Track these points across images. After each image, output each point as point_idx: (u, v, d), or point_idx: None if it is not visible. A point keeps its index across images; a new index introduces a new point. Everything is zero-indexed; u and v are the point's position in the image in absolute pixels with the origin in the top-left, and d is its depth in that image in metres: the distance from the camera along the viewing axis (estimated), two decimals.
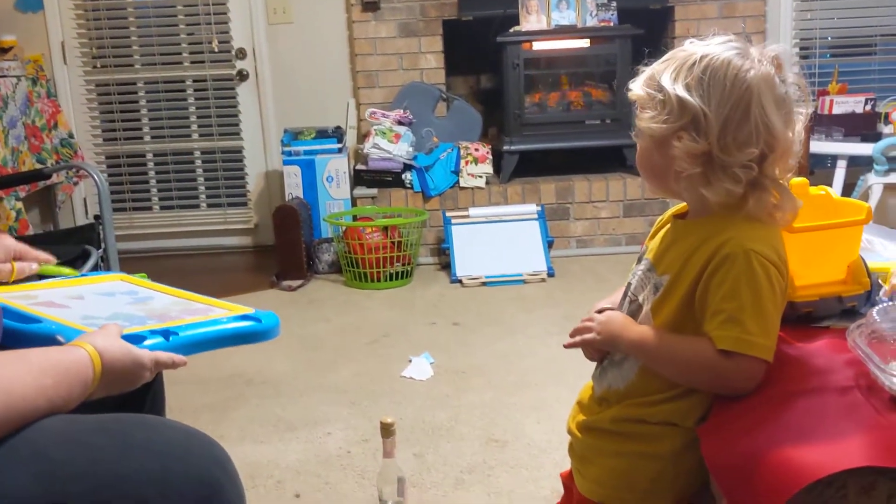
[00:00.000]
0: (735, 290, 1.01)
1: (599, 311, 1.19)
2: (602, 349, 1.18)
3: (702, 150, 1.03)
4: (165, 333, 1.08)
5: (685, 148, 1.03)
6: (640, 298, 1.14)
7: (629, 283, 1.19)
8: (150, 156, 4.47)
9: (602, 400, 1.17)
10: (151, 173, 4.48)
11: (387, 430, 1.63)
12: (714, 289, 1.03)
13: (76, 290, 1.34)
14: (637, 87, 1.10)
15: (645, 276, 1.14)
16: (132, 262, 4.31)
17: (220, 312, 1.23)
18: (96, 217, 2.62)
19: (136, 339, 1.05)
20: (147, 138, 4.45)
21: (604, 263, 3.76)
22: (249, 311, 1.22)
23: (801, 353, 1.08)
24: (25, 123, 3.90)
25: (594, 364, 1.23)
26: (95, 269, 2.50)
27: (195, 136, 4.44)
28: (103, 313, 1.21)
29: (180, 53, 4.35)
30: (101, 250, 2.54)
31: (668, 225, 1.16)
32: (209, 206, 4.50)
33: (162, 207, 4.50)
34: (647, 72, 1.11)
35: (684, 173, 1.05)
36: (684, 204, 1.15)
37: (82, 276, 1.46)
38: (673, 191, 1.12)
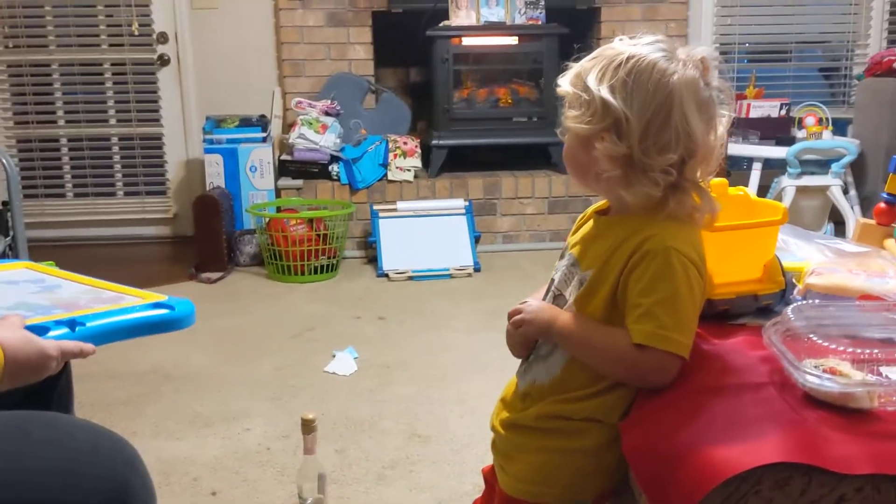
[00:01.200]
0: (653, 285, 1.02)
1: None
2: (531, 339, 1.18)
3: (622, 153, 1.03)
4: (71, 324, 1.03)
5: (606, 150, 1.03)
6: (566, 293, 1.14)
7: (552, 279, 1.19)
8: (64, 141, 4.29)
9: (525, 395, 1.17)
10: (66, 159, 4.30)
11: (308, 426, 1.59)
12: (633, 283, 1.04)
13: None
14: (565, 84, 1.10)
15: (569, 271, 1.15)
16: (43, 251, 4.12)
17: (133, 300, 1.18)
18: (4, 203, 2.49)
19: (39, 330, 0.99)
20: (61, 122, 4.27)
21: (529, 258, 3.80)
22: (163, 298, 1.18)
23: (719, 350, 1.10)
24: None
25: (518, 360, 1.23)
26: (2, 257, 2.38)
27: (112, 121, 4.28)
28: (5, 303, 1.14)
29: (98, 35, 4.19)
30: (9, 238, 2.42)
31: (591, 221, 1.17)
32: (126, 194, 4.35)
33: (76, 195, 4.33)
34: (575, 68, 1.10)
35: (604, 174, 1.06)
36: (606, 201, 1.16)
37: None
38: (593, 188, 1.13)
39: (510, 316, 1.18)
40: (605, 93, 1.03)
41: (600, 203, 1.19)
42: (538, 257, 3.79)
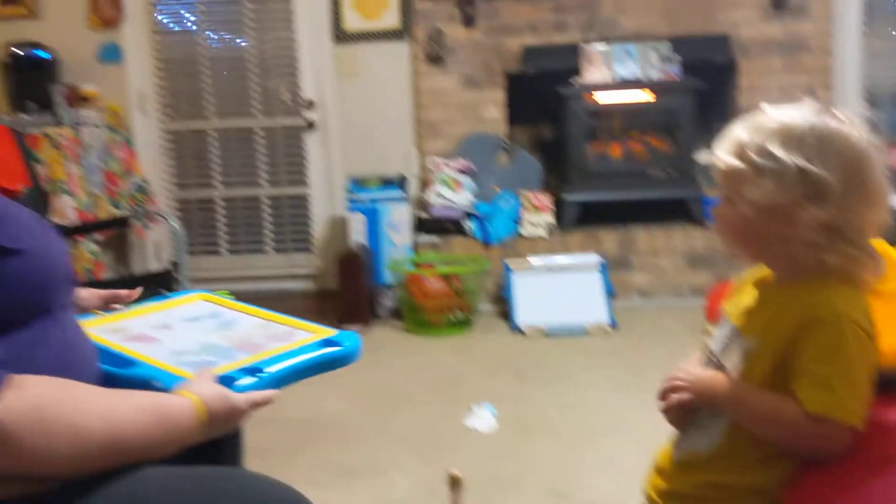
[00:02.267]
0: (826, 353, 1.01)
1: None
2: (690, 406, 1.16)
3: (828, 218, 1.02)
4: (254, 371, 1.12)
5: (813, 217, 1.02)
6: (727, 363, 1.13)
7: (709, 348, 1.18)
8: (219, 201, 4.61)
9: (684, 464, 1.16)
10: (220, 218, 4.62)
11: (455, 483, 1.64)
12: (804, 351, 1.02)
13: (163, 318, 1.38)
14: (730, 156, 1.08)
15: (730, 341, 1.14)
16: None
17: (303, 337, 1.25)
18: (173, 263, 2.71)
19: (228, 380, 1.08)
20: (217, 184, 4.60)
21: (667, 315, 3.73)
22: (332, 333, 1.25)
23: (887, 423, 1.06)
24: (103, 170, 4.08)
25: (662, 419, 1.22)
26: None
27: (263, 182, 4.57)
28: (192, 346, 1.24)
29: (252, 104, 4.51)
30: None
31: (752, 288, 1.15)
32: (275, 251, 4.61)
33: (230, 252, 4.63)
34: (734, 140, 1.09)
35: (804, 243, 1.04)
36: (767, 269, 1.15)
37: (166, 297, 1.49)
38: (765, 258, 1.12)
39: (669, 384, 1.17)
40: (800, 160, 1.02)
41: (760, 271, 1.17)
42: (677, 314, 3.71)
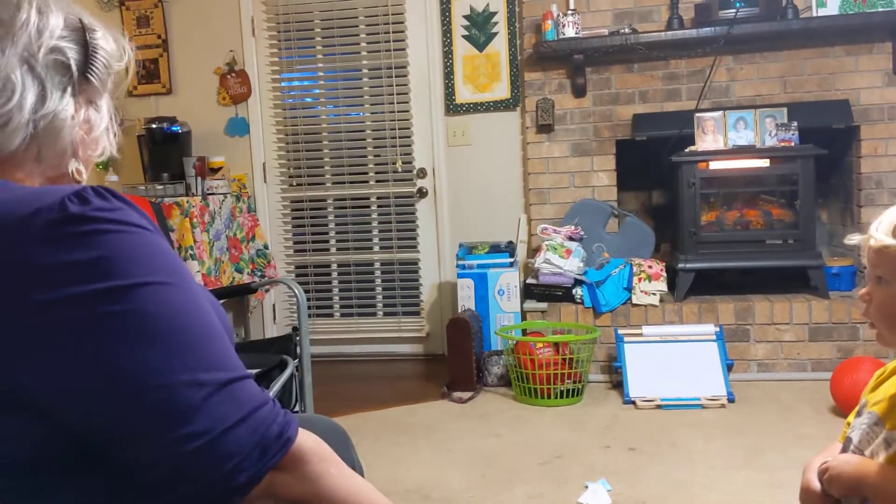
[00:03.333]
0: None
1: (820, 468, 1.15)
2: (836, 496, 1.13)
3: None
4: None
5: None
6: (867, 454, 1.10)
7: (849, 438, 1.15)
8: (334, 266, 4.77)
9: None
10: (335, 282, 4.77)
11: None
12: None
13: None
14: (886, 236, 1.09)
15: (871, 430, 1.10)
16: (313, 367, 4.55)
17: None
18: (294, 328, 2.81)
19: None
20: (333, 249, 4.77)
21: (788, 389, 3.58)
22: None
23: None
24: (228, 236, 4.31)
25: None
26: (291, 378, 2.68)
27: (376, 248, 4.71)
28: None
29: (367, 173, 4.68)
30: (296, 360, 2.72)
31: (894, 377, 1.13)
32: (385, 314, 4.71)
33: (342, 315, 4.76)
34: (891, 220, 1.10)
35: None
36: None
37: None
38: None
39: (820, 473, 1.14)
40: None
41: None
42: (798, 388, 3.56)
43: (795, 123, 3.87)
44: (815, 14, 3.91)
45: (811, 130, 3.89)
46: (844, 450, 1.16)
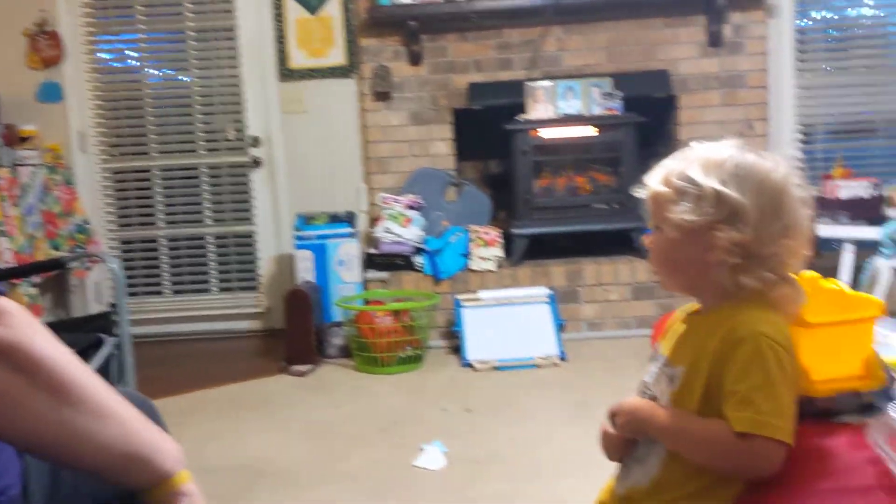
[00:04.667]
0: (746, 371, 1.03)
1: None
2: (627, 439, 1.18)
3: (743, 240, 1.07)
4: None
5: (728, 238, 1.07)
6: (657, 392, 1.15)
7: (643, 381, 1.20)
8: (163, 241, 4.53)
9: (626, 500, 1.17)
10: (164, 258, 4.54)
11: None
12: (727, 372, 1.05)
13: None
14: (656, 183, 1.14)
15: (661, 371, 1.17)
16: (143, 347, 4.31)
17: None
18: (112, 305, 2.64)
19: None
20: (161, 224, 4.52)
21: (615, 346, 3.75)
22: None
23: (824, 452, 1.07)
24: (42, 210, 3.98)
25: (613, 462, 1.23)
26: (110, 357, 2.51)
27: (208, 221, 4.51)
28: None
29: (195, 142, 4.46)
30: (115, 339, 2.55)
31: (681, 321, 1.18)
32: (220, 290, 4.54)
33: (174, 292, 4.54)
34: (660, 169, 1.16)
35: (721, 264, 1.09)
36: (694, 304, 1.18)
37: None
38: (691, 284, 1.15)
39: (609, 416, 1.19)
40: (717, 184, 1.08)
41: (689, 306, 1.20)
42: (625, 345, 3.74)
43: (620, 92, 4.03)
44: None
45: (635, 99, 4.06)
46: (640, 393, 1.21)
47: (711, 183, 1.07)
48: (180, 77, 4.47)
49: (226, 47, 4.37)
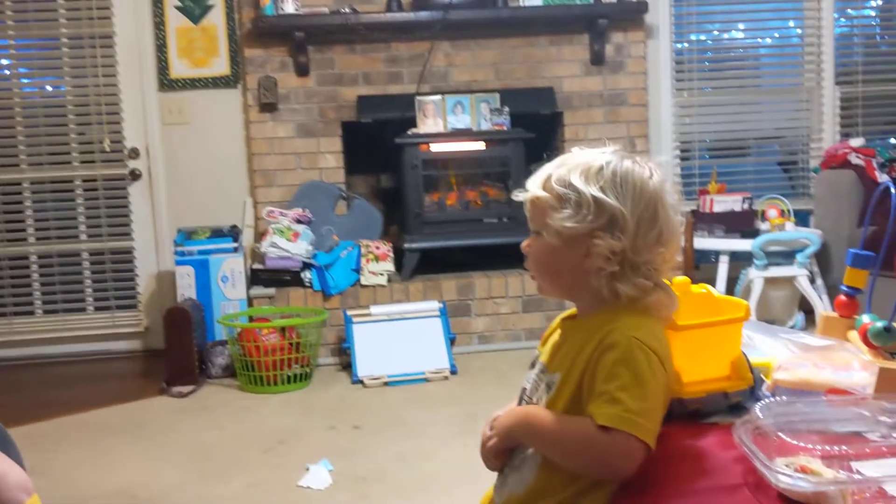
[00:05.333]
0: (616, 372, 1.03)
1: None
2: (503, 450, 1.17)
3: (620, 247, 1.07)
4: None
5: (607, 246, 1.07)
6: (535, 399, 1.14)
7: (523, 388, 1.19)
8: (34, 258, 4.26)
9: None
10: (35, 276, 4.27)
11: None
12: (598, 374, 1.05)
13: None
14: (536, 188, 1.13)
15: (538, 378, 1.16)
16: (11, 371, 4.04)
17: None
18: None
19: None
20: (31, 239, 4.26)
21: (505, 359, 3.77)
22: None
23: (692, 452, 1.08)
24: None
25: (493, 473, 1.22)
26: None
27: (83, 236, 4.28)
28: None
29: (69, 153, 4.24)
30: None
31: (559, 327, 1.18)
32: (97, 309, 4.30)
33: (45, 311, 4.27)
34: (541, 174, 1.15)
35: (599, 271, 1.09)
36: (573, 309, 1.18)
37: None
38: (569, 289, 1.15)
39: (487, 425, 1.18)
40: (596, 192, 1.08)
41: (567, 311, 1.20)
42: (514, 357, 3.76)
43: (507, 108, 4.09)
44: (522, 4, 4.14)
45: (522, 115, 4.13)
46: (519, 401, 1.19)
47: (592, 190, 1.08)
48: (54, 86, 4.24)
49: (103, 55, 4.18)
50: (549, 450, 1.09)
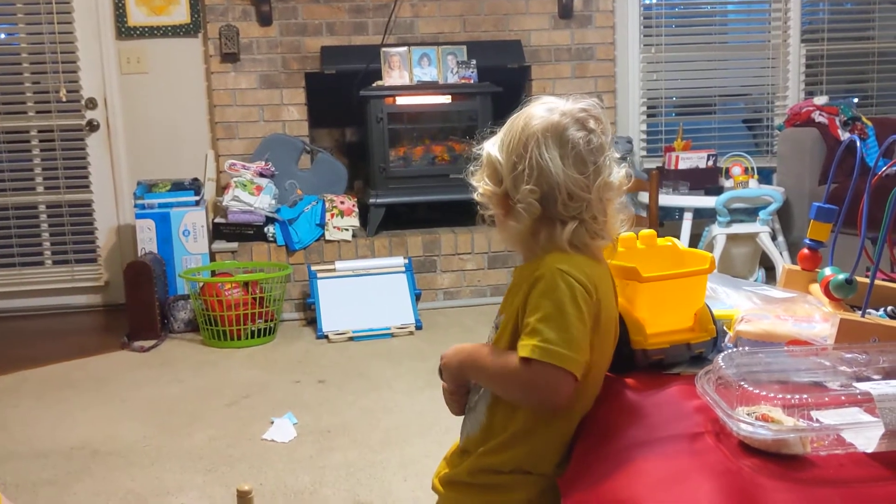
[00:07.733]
0: (538, 303, 1.05)
1: None
2: (459, 390, 1.19)
3: (495, 192, 1.12)
4: None
5: (485, 192, 1.14)
6: (488, 341, 1.18)
7: (489, 335, 1.20)
8: None
9: (463, 451, 1.17)
10: None
11: (243, 499, 1.53)
12: (527, 308, 1.07)
13: None
14: (493, 148, 1.16)
15: (494, 323, 1.18)
16: None
17: None
18: None
19: None
20: None
21: (470, 314, 3.78)
22: None
23: (655, 402, 1.09)
24: None
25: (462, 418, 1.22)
26: None
27: (40, 188, 4.17)
28: None
29: (24, 103, 4.11)
30: None
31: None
32: (55, 262, 4.22)
33: (2, 265, 4.18)
34: (500, 133, 1.16)
35: (515, 222, 1.11)
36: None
37: None
38: (513, 244, 1.18)
39: (439, 368, 1.20)
40: (489, 147, 1.14)
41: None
42: (479, 313, 3.78)
43: (474, 61, 4.03)
44: None
45: (489, 69, 4.08)
46: None
47: (486, 146, 1.14)
48: (5, 33, 4.08)
49: (58, 1, 4.02)
50: (489, 384, 1.13)
